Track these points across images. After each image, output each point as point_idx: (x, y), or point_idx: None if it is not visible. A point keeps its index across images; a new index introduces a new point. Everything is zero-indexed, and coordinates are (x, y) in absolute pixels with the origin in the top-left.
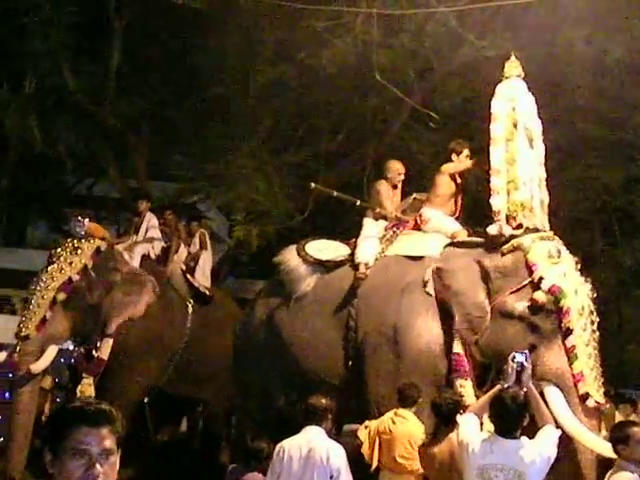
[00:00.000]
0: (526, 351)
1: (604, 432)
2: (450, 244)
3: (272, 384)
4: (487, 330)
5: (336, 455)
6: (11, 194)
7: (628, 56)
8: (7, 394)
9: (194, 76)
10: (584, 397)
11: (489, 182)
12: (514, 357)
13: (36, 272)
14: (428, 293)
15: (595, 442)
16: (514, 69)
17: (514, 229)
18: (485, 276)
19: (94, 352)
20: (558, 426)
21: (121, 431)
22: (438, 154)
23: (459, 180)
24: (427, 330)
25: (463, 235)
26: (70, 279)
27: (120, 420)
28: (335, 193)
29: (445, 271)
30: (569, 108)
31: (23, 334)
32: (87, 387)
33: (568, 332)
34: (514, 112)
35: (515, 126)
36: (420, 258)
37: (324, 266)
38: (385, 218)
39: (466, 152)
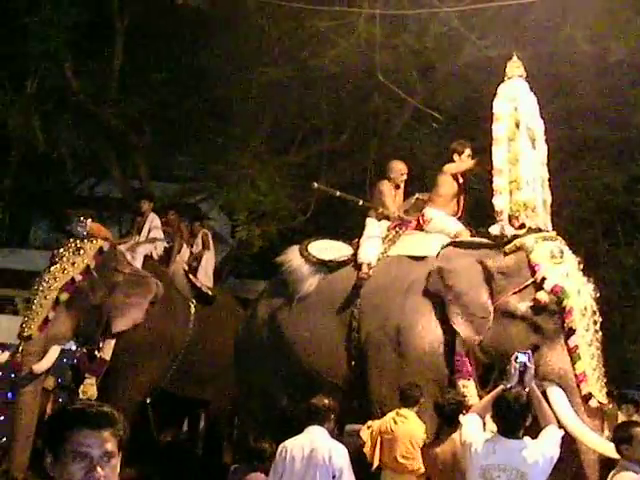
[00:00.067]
0: (529, 351)
1: (607, 432)
2: (450, 243)
3: (274, 384)
4: (490, 330)
5: (338, 455)
6: (13, 194)
7: (630, 56)
8: (10, 394)
9: (196, 76)
10: (587, 397)
11: (491, 182)
12: (517, 357)
13: (39, 272)
14: (428, 292)
15: (598, 442)
16: (516, 69)
17: (517, 229)
18: (488, 276)
19: (96, 352)
20: (561, 426)
21: (123, 434)
22: (440, 154)
23: (461, 180)
24: (430, 330)
25: (466, 235)
26: (73, 279)
27: (122, 423)
28: (338, 193)
29: (447, 271)
30: (571, 108)
31: (26, 334)
32: (89, 387)
33: (571, 332)
34: (516, 112)
35: (517, 126)
36: (423, 258)
37: (327, 266)
38: (388, 218)
39: (468, 152)
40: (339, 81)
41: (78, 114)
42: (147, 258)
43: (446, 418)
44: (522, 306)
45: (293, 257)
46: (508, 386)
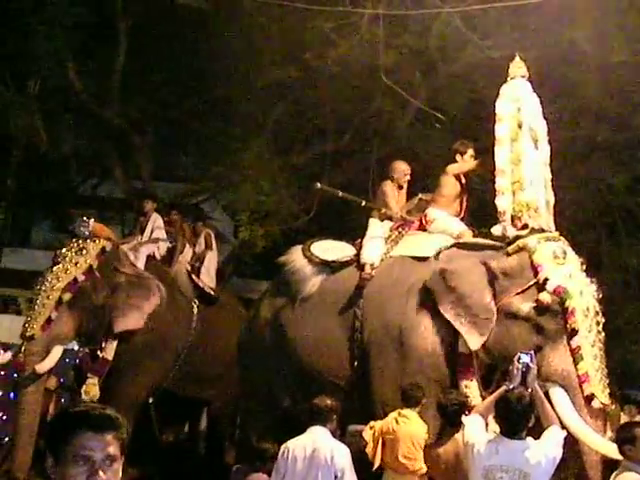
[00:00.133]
0: (531, 352)
1: (609, 433)
2: (453, 245)
3: (277, 384)
4: (493, 331)
5: (340, 455)
6: (16, 194)
7: (633, 56)
8: (12, 394)
9: (199, 77)
10: (589, 398)
11: (494, 183)
12: (519, 358)
13: (41, 272)
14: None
15: (600, 443)
16: (519, 70)
17: (519, 230)
18: (491, 278)
19: (99, 352)
20: (563, 427)
21: (126, 437)
22: (443, 154)
23: (464, 180)
24: (432, 331)
25: (468, 236)
26: (75, 279)
27: (125, 426)
28: (340, 193)
29: (450, 272)
30: (574, 109)
31: (28, 334)
32: (92, 387)
33: (573, 333)
34: (519, 113)
35: (520, 127)
36: (425, 259)
37: (330, 266)
38: (390, 218)
39: (470, 152)
40: (342, 81)
41: (81, 114)
42: (150, 258)
43: (448, 418)
44: (525, 307)
45: (296, 257)
46: (511, 387)
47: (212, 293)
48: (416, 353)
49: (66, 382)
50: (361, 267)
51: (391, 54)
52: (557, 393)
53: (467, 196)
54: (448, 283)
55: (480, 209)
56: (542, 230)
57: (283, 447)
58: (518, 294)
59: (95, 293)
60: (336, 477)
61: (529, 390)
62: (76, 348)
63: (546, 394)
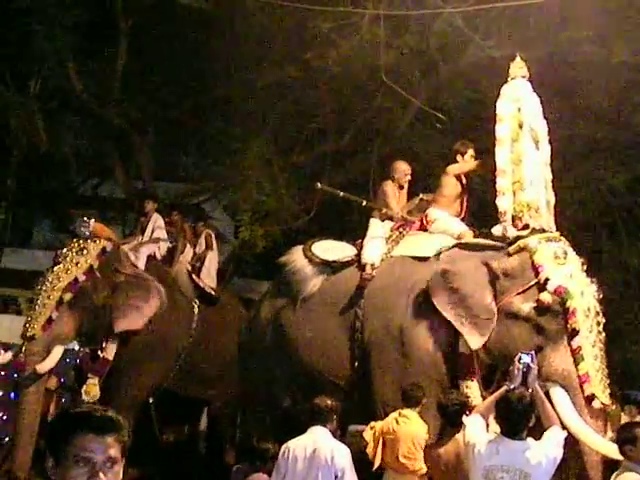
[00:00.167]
0: (532, 352)
1: (610, 433)
2: (455, 245)
3: (278, 384)
4: (493, 331)
5: (341, 455)
6: (16, 194)
7: (634, 57)
8: (12, 394)
9: (200, 77)
10: (590, 398)
11: (495, 183)
12: (520, 358)
13: (41, 272)
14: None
15: (601, 443)
16: (519, 70)
17: (520, 230)
18: (493, 278)
19: (99, 352)
20: (564, 427)
21: (127, 440)
22: (444, 154)
23: (465, 181)
24: (433, 331)
25: (469, 236)
26: (76, 279)
27: (127, 429)
28: (341, 193)
29: (452, 273)
30: (575, 109)
31: (29, 334)
32: (92, 387)
33: (574, 333)
34: (519, 113)
35: (520, 127)
36: (426, 259)
37: (330, 267)
38: (391, 219)
39: (471, 152)
40: (343, 81)
41: (81, 114)
42: (150, 258)
43: (449, 418)
44: (525, 307)
45: (297, 257)
46: (511, 387)
47: (213, 293)
48: (417, 353)
49: (67, 382)
50: (362, 267)
51: (392, 54)
52: (558, 393)
53: (468, 196)
54: (450, 284)
55: (481, 209)
56: (543, 230)
57: (284, 447)
58: (519, 294)
59: (96, 293)
60: (336, 477)
61: (530, 390)
62: (77, 348)
63: (547, 394)
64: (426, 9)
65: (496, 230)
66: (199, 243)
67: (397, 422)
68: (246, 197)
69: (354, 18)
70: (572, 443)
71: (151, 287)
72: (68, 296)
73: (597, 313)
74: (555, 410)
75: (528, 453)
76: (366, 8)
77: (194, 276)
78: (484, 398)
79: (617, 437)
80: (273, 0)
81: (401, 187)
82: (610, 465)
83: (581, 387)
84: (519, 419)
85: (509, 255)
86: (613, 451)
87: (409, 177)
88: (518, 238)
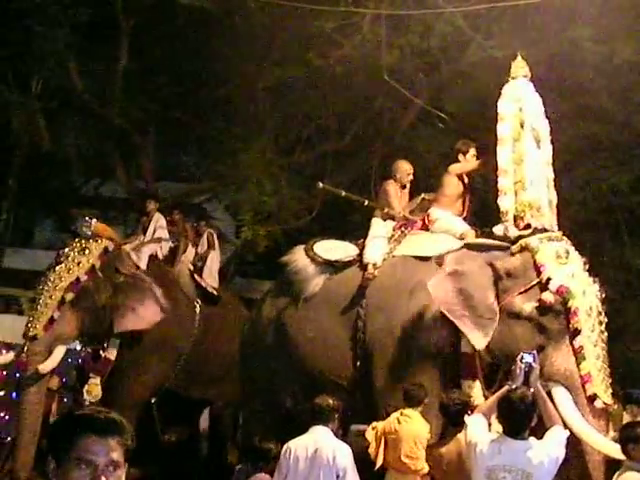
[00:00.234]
0: (534, 352)
1: (612, 433)
2: (462, 246)
3: (280, 384)
4: (495, 331)
5: (342, 455)
6: (18, 194)
7: (636, 56)
8: (14, 394)
9: (201, 77)
10: (592, 398)
11: (497, 182)
12: (522, 357)
13: (43, 272)
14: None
15: (603, 443)
16: (521, 69)
17: (522, 229)
18: (496, 278)
19: (101, 352)
20: (566, 427)
21: (130, 444)
22: (446, 154)
23: (466, 180)
24: (435, 330)
25: (471, 235)
26: (78, 279)
27: (130, 432)
28: (343, 193)
29: (459, 274)
30: (577, 108)
31: (31, 334)
32: (94, 387)
33: (576, 333)
34: (521, 112)
35: (522, 126)
36: (428, 258)
37: (332, 266)
38: (393, 218)
39: (472, 152)
40: (344, 81)
41: (83, 114)
42: (152, 258)
43: (451, 418)
44: (527, 307)
45: (298, 257)
46: (513, 386)
47: (214, 293)
48: (419, 353)
49: (68, 382)
50: (364, 267)
51: (393, 54)
52: (559, 393)
53: (470, 196)
54: (456, 285)
55: (483, 209)
56: (545, 230)
57: (285, 447)
58: (520, 294)
59: (97, 293)
60: (338, 477)
61: (532, 390)
62: (78, 348)
63: (548, 394)
64: (428, 9)
65: (498, 230)
66: (201, 243)
67: (399, 422)
68: (248, 197)
69: (355, 18)
70: (574, 443)
71: (146, 289)
72: (70, 296)
73: (599, 313)
74: (557, 410)
75: (530, 453)
76: (367, 8)
77: (196, 276)
78: (486, 398)
79: (619, 436)
80: (274, 0)
81: (403, 187)
82: (612, 465)
83: (583, 387)
84: (521, 419)
85: (512, 255)
86: (615, 451)
87: (411, 177)
88: (520, 238)
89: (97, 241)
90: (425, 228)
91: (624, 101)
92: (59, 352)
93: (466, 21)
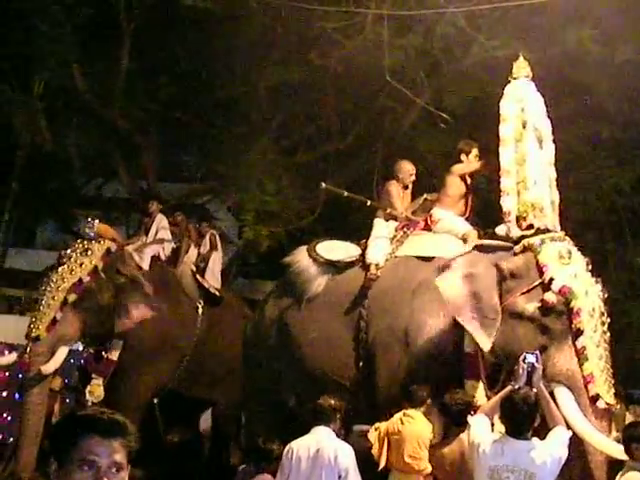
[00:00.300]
0: (537, 352)
1: (615, 433)
2: (474, 247)
3: (282, 385)
4: (498, 331)
5: (344, 455)
6: (20, 195)
7: (638, 56)
8: (17, 395)
9: (203, 77)
10: (594, 398)
11: (499, 183)
12: (525, 358)
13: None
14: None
15: (605, 444)
16: (522, 70)
17: (525, 230)
18: (501, 279)
19: (104, 353)
20: (568, 427)
21: (134, 446)
22: (448, 154)
23: (469, 180)
24: (438, 331)
25: (474, 236)
26: (80, 280)
27: (134, 434)
28: (346, 193)
29: (471, 276)
30: (579, 108)
31: (33, 335)
32: (96, 388)
33: (579, 333)
34: (523, 113)
35: (524, 127)
36: (431, 259)
37: (335, 267)
38: (395, 218)
39: (475, 152)
40: (346, 81)
41: (84, 114)
42: (155, 259)
43: (453, 418)
44: (530, 307)
45: (301, 257)
46: (516, 387)
47: (217, 294)
48: (421, 353)
49: (71, 383)
50: (366, 267)
51: (395, 54)
52: (562, 393)
53: (472, 196)
54: (469, 288)
55: (485, 209)
56: (547, 230)
57: (287, 447)
58: (523, 294)
59: (100, 294)
60: (340, 477)
61: (534, 390)
62: (81, 349)
63: (551, 394)
64: (429, 9)
65: (500, 230)
66: (203, 243)
67: (402, 422)
68: (250, 197)
69: (357, 18)
70: (577, 443)
71: (138, 292)
72: (72, 297)
73: (602, 313)
74: (559, 410)
75: (533, 453)
76: (369, 8)
77: (198, 276)
78: (489, 398)
79: (623, 435)
80: (276, 0)
81: (405, 187)
82: (614, 465)
83: (585, 387)
84: (524, 419)
85: (514, 255)
86: (618, 451)
87: (413, 177)
88: (522, 238)
89: (99, 242)
90: (427, 228)
91: (626, 101)
92: (62, 353)
93: (468, 21)
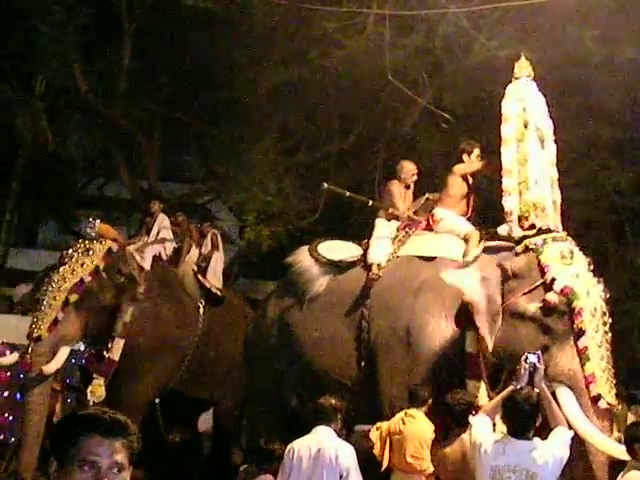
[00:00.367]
0: (538, 352)
1: (616, 434)
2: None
3: (284, 385)
4: (500, 331)
5: (345, 455)
6: (21, 195)
7: (638, 56)
8: (19, 395)
9: (205, 77)
10: (596, 398)
11: (501, 183)
12: (527, 358)
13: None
14: (438, 292)
15: (607, 444)
16: (524, 69)
17: (526, 230)
18: (504, 279)
19: (105, 353)
20: (570, 427)
21: (136, 446)
22: (449, 154)
23: (471, 180)
24: (440, 331)
25: (475, 236)
26: (82, 280)
27: (136, 434)
28: (347, 193)
29: (485, 279)
30: (580, 108)
31: (35, 335)
32: (98, 388)
33: (580, 333)
34: (525, 112)
35: (526, 126)
36: (432, 259)
37: (336, 267)
38: (397, 218)
39: (477, 152)
40: (348, 81)
41: (86, 114)
42: (156, 259)
43: (455, 418)
44: (532, 307)
45: (303, 258)
46: (518, 387)
47: (218, 293)
48: (423, 353)
49: (72, 383)
50: (368, 267)
51: (397, 54)
52: (564, 393)
53: (474, 196)
54: (486, 291)
55: (487, 209)
56: (549, 230)
57: (288, 447)
58: (525, 294)
59: (102, 294)
60: (341, 477)
61: (536, 390)
62: (82, 349)
63: (553, 394)
64: (431, 9)
65: (502, 230)
66: (205, 243)
67: (403, 422)
68: (251, 197)
69: (359, 18)
70: (578, 443)
71: (127, 294)
72: (74, 297)
73: (603, 313)
74: (561, 410)
75: (535, 453)
76: (371, 8)
77: (200, 276)
78: (491, 398)
79: (625, 435)
80: (278, 0)
81: (407, 187)
82: (616, 465)
83: (587, 387)
84: (526, 419)
85: (516, 255)
86: (619, 451)
87: (415, 177)
88: (524, 238)
89: (101, 242)
90: (429, 228)
91: (628, 101)
92: (63, 353)
93: (469, 21)
